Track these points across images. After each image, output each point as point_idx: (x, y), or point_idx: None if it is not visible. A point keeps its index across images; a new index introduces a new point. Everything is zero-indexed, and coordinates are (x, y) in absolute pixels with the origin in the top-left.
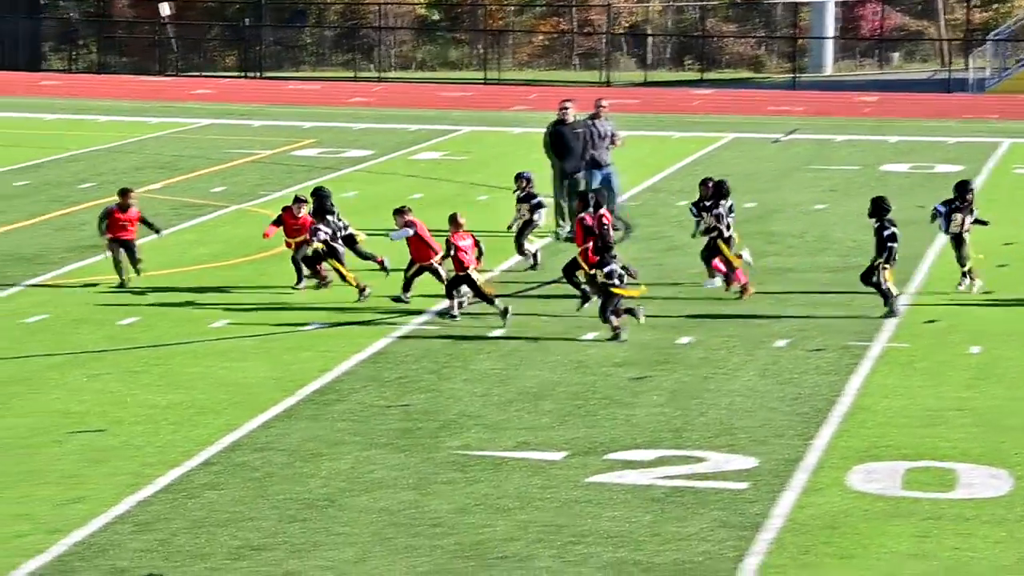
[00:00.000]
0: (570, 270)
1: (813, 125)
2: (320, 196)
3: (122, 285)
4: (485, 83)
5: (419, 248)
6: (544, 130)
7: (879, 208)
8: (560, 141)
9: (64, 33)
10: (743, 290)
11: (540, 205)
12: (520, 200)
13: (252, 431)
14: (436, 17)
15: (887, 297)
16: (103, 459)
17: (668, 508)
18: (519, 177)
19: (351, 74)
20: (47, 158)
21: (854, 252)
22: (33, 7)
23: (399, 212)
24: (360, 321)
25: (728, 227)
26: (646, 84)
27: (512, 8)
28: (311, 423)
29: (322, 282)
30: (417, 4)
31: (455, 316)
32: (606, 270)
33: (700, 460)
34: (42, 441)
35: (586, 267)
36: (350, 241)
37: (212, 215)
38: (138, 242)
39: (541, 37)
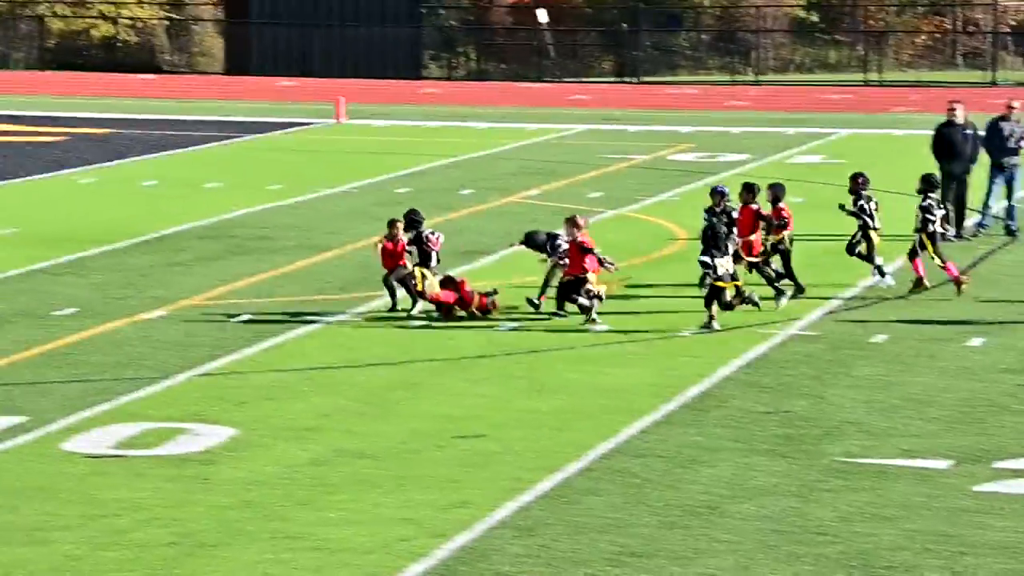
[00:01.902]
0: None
1: None
2: (412, 219)
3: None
4: (865, 84)
5: (576, 260)
6: (930, 132)
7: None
8: (946, 142)
9: (443, 41)
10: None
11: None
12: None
13: (630, 437)
14: (814, 19)
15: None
16: (484, 464)
17: None
18: (713, 192)
19: (728, 77)
20: (428, 165)
21: None
22: (413, 16)
23: (571, 222)
24: (738, 326)
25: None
26: None
27: (893, 8)
28: (690, 429)
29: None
30: (794, 6)
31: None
32: (705, 260)
33: None
34: (425, 446)
35: (747, 257)
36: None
37: (590, 221)
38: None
39: (923, 37)
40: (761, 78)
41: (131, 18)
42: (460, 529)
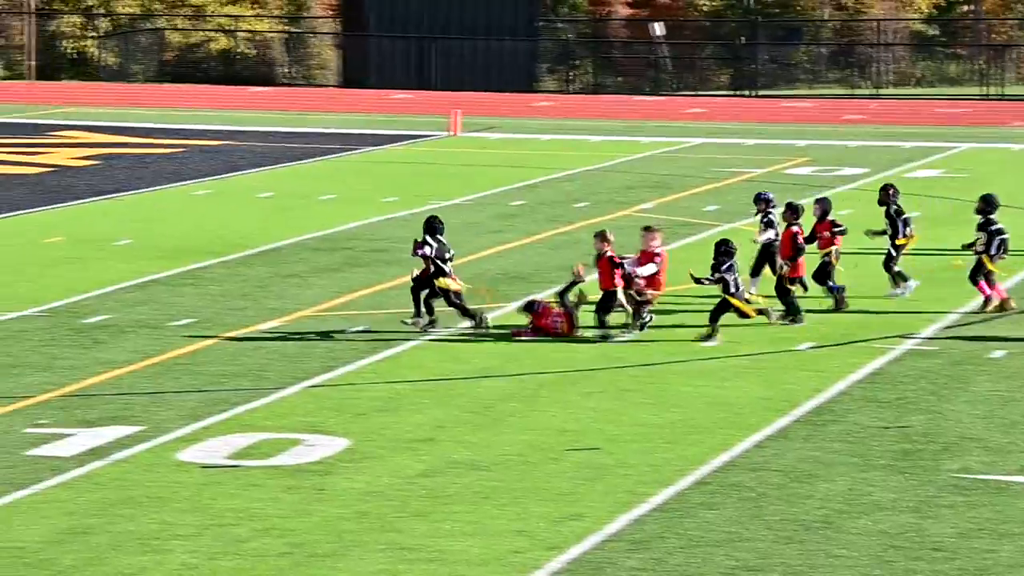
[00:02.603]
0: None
1: None
2: (431, 224)
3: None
4: (985, 98)
5: (606, 274)
6: None
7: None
8: None
9: (559, 54)
10: (1002, 305)
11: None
12: (762, 222)
13: (746, 451)
14: (934, 32)
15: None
16: (598, 477)
17: None
18: (758, 199)
19: (846, 91)
20: (542, 178)
21: None
22: (530, 29)
23: (600, 236)
24: (854, 341)
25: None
26: None
27: (1015, 21)
28: (806, 443)
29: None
30: (914, 19)
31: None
32: (720, 277)
33: None
34: (539, 458)
35: (786, 280)
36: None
37: (704, 234)
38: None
39: None
40: (880, 92)
41: (249, 31)
42: (574, 542)
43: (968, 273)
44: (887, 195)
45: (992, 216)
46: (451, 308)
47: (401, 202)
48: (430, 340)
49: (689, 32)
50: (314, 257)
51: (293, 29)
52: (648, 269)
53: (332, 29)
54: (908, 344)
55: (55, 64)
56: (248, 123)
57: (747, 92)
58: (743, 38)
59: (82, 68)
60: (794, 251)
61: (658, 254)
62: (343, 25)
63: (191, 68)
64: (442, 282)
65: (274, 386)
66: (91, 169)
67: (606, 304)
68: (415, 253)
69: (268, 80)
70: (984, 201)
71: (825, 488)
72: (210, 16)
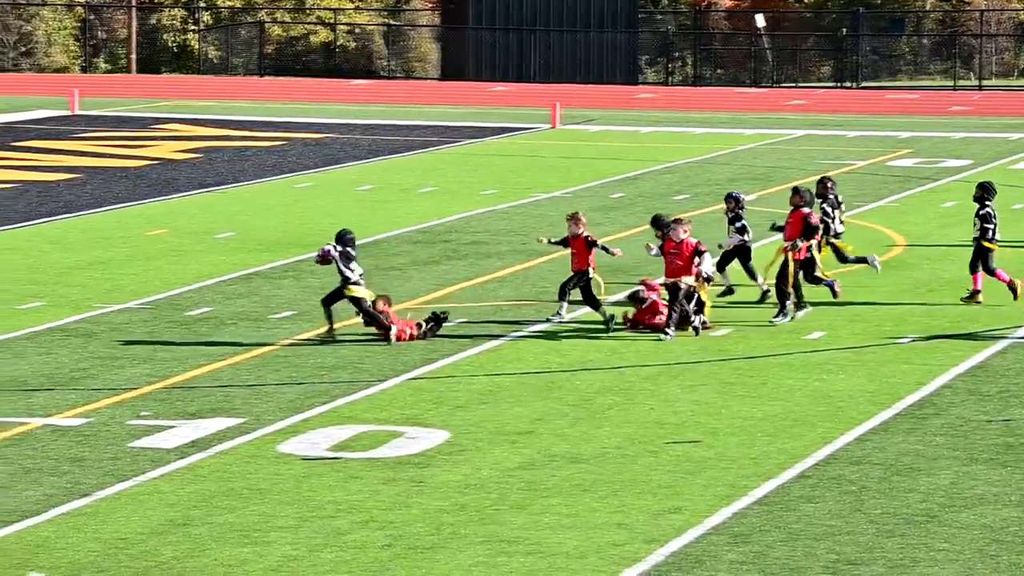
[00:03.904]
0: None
1: None
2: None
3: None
4: None
5: (581, 255)
6: None
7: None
8: None
9: (660, 46)
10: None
11: (743, 230)
12: (729, 222)
13: (847, 444)
14: None
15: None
16: (698, 470)
17: None
18: (728, 198)
19: (950, 83)
20: (643, 170)
21: None
22: (631, 21)
23: (573, 218)
24: (958, 334)
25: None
26: None
27: None
28: (908, 437)
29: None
30: (1019, 10)
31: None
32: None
33: None
34: (639, 451)
35: (793, 267)
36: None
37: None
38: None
39: None
40: (984, 83)
41: (349, 24)
42: (674, 535)
43: (979, 265)
44: (824, 188)
45: (989, 203)
46: (361, 316)
47: (500, 195)
48: (530, 333)
49: (791, 23)
50: (414, 250)
51: (393, 22)
52: (708, 264)
53: (432, 21)
54: (1012, 337)
55: (157, 57)
56: (348, 116)
57: (849, 84)
58: (845, 29)
59: (183, 61)
60: (804, 233)
61: (698, 247)
62: (443, 18)
63: (292, 61)
64: (352, 290)
65: (374, 378)
66: (193, 162)
67: (581, 285)
68: (322, 258)
69: (368, 73)
70: (981, 188)
71: (927, 482)
72: (311, 9)
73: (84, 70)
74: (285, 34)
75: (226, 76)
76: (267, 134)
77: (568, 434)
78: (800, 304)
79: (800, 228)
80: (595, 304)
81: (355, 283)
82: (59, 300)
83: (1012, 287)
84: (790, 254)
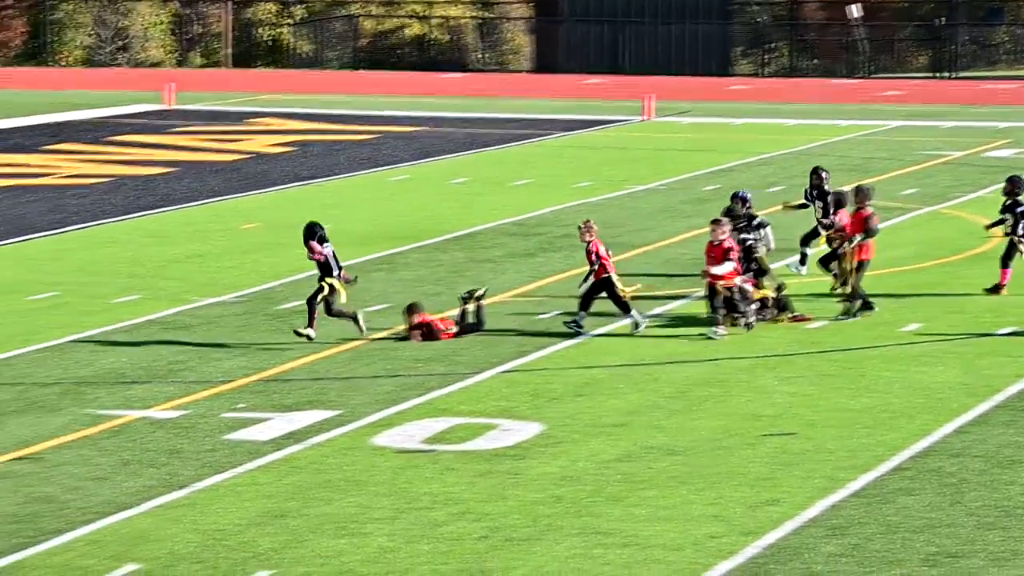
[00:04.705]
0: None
1: None
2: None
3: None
4: None
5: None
6: None
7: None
8: None
9: (754, 38)
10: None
11: (762, 225)
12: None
13: (946, 436)
14: None
15: None
16: (795, 462)
17: None
18: (735, 198)
19: None
20: (736, 162)
21: None
22: (723, 12)
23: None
24: None
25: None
26: None
27: None
28: (1007, 429)
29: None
30: None
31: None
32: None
33: None
34: (735, 443)
35: (851, 263)
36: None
37: (903, 217)
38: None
39: None
40: None
41: (442, 17)
42: (771, 527)
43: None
44: (819, 178)
45: (1021, 198)
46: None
47: (594, 187)
48: (625, 324)
49: (887, 13)
50: (509, 242)
51: (486, 15)
52: (725, 267)
53: (525, 14)
54: None
55: (251, 52)
56: (441, 109)
57: (946, 74)
58: (942, 19)
59: (277, 55)
60: (866, 232)
61: (731, 248)
62: (536, 10)
63: (385, 54)
64: (329, 281)
65: (469, 371)
66: (286, 156)
67: (608, 292)
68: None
69: (461, 66)
70: (1011, 183)
71: None
72: (403, 2)
73: (179, 65)
74: (378, 28)
75: (319, 70)
76: (360, 127)
77: (664, 426)
78: (865, 304)
79: (862, 227)
80: (625, 308)
81: (335, 276)
82: (157, 293)
83: (997, 288)
84: (855, 251)
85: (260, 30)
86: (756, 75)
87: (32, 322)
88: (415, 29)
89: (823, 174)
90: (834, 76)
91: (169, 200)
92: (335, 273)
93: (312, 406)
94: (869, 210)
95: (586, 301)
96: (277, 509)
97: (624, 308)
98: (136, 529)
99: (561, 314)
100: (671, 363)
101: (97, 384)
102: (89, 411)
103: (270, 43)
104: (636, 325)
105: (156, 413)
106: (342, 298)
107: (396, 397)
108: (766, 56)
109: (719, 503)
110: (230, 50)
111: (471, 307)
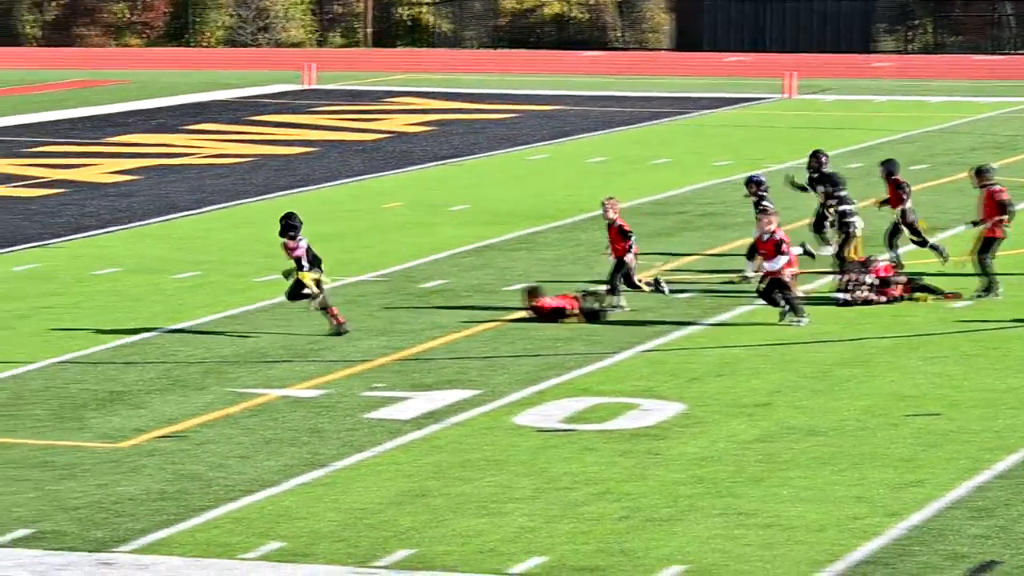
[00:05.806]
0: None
1: None
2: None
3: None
4: None
5: (615, 242)
6: None
7: None
8: None
9: (898, 14)
10: None
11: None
12: (754, 205)
13: None
14: None
15: None
16: (939, 443)
17: None
18: (749, 181)
19: None
20: (879, 140)
21: None
22: None
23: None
24: None
25: None
26: None
27: None
28: None
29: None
30: None
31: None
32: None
33: None
34: (878, 424)
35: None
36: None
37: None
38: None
39: None
40: None
41: None
42: (915, 509)
43: None
44: (819, 162)
45: None
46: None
47: (734, 165)
48: (764, 305)
49: None
50: (647, 221)
51: None
52: (779, 261)
53: None
54: None
55: (390, 31)
56: (581, 88)
57: None
58: None
59: (417, 35)
60: (999, 210)
61: (783, 240)
62: None
63: (524, 33)
64: (304, 276)
65: (609, 350)
66: (427, 135)
67: (625, 276)
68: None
69: (601, 44)
70: None
71: None
72: None
73: (319, 44)
74: (518, 6)
75: (459, 49)
76: (500, 106)
77: (806, 406)
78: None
79: (993, 206)
80: (613, 291)
81: (308, 269)
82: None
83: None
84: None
85: (399, 9)
86: (900, 52)
87: (176, 301)
88: (554, 8)
89: (823, 158)
90: (979, 52)
91: (309, 180)
92: (305, 268)
93: (452, 385)
94: (997, 186)
95: (628, 281)
96: (417, 488)
97: (612, 291)
98: (279, 507)
99: (699, 295)
100: (813, 343)
101: (239, 363)
102: (231, 390)
103: (409, 23)
104: (613, 307)
105: (296, 392)
106: (315, 289)
107: (536, 377)
108: (910, 32)
109: (862, 484)
110: (370, 29)
111: (593, 303)
